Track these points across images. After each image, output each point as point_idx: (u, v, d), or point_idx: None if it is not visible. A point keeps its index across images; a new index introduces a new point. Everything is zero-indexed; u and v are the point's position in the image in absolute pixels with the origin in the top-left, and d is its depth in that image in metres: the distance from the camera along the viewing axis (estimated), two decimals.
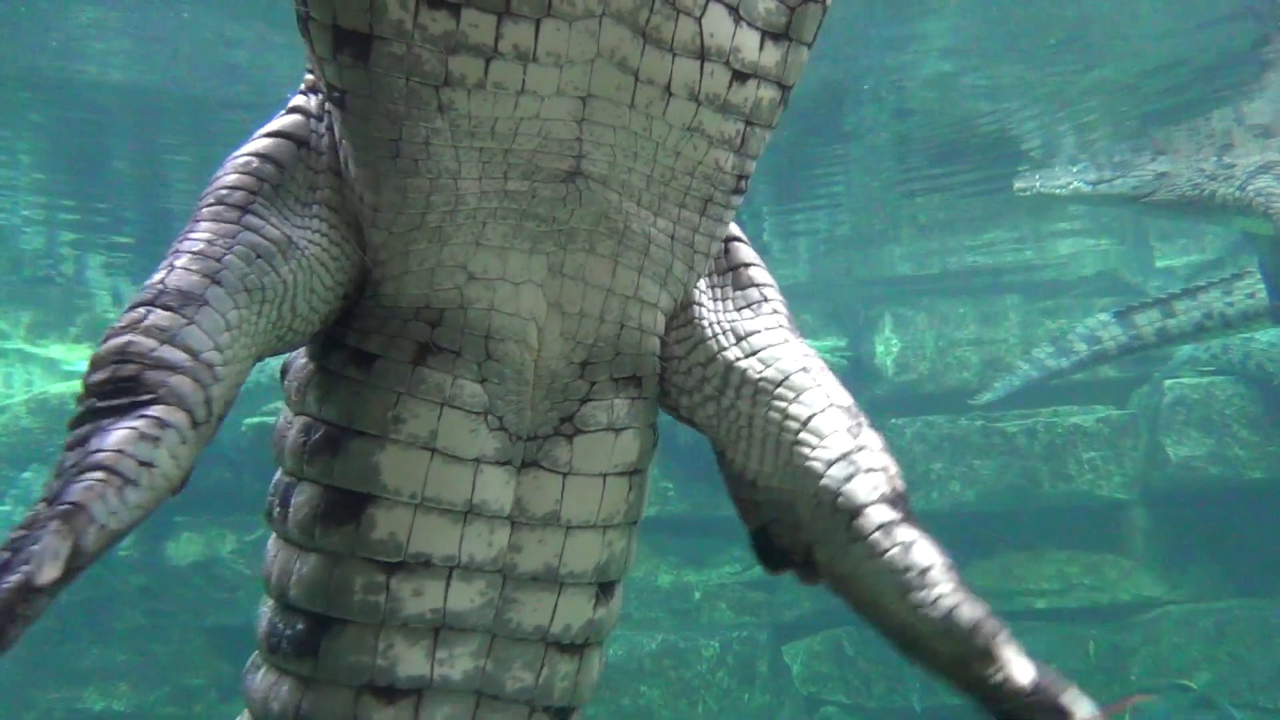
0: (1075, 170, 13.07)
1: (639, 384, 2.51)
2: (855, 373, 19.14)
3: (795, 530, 2.42)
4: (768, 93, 2.19)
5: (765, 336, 2.52)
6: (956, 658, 2.18)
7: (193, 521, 17.52)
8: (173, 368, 1.93)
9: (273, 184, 2.24)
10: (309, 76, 2.39)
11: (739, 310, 2.55)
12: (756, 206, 17.67)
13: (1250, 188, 10.71)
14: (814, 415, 2.42)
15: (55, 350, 24.43)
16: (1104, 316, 14.62)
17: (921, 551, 2.27)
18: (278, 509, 2.50)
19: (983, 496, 17.30)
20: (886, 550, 2.25)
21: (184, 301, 1.99)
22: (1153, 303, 14.24)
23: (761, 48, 2.11)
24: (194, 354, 1.96)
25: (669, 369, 2.55)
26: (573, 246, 2.27)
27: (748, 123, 2.22)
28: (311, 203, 2.28)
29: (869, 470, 2.34)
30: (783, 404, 2.44)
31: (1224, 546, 16.75)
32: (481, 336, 2.32)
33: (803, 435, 2.40)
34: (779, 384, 2.45)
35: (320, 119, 2.31)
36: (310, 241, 2.24)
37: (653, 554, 18.17)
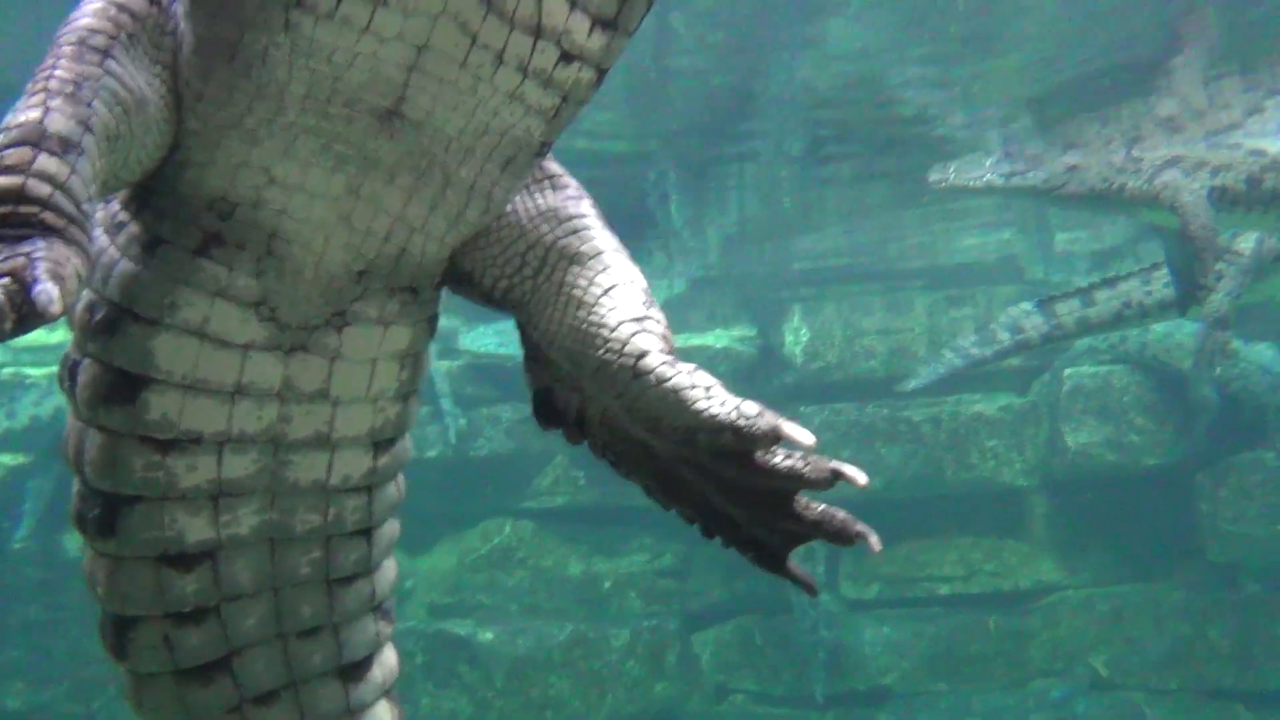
0: (988, 163, 13.26)
1: (414, 291, 2.70)
2: (765, 361, 19.28)
3: (574, 390, 2.69)
4: (587, 74, 2.34)
5: (583, 220, 2.77)
6: (738, 448, 2.42)
7: None
8: (69, 218, 2.01)
9: (129, 33, 2.29)
10: None
11: (560, 202, 2.78)
12: (665, 194, 17.67)
13: (1158, 181, 10.95)
14: (617, 285, 2.68)
15: None
16: (1026, 306, 14.91)
17: (702, 375, 2.53)
18: (68, 383, 2.63)
19: (890, 484, 17.53)
20: (673, 375, 2.50)
21: (66, 148, 2.05)
22: (1073, 292, 14.54)
23: (590, 33, 2.25)
24: (78, 204, 2.04)
25: (485, 261, 2.75)
26: (373, 174, 2.39)
27: (564, 98, 2.37)
28: (156, 61, 2.34)
29: (654, 332, 2.61)
30: (592, 273, 2.69)
31: (1120, 532, 17.20)
32: (267, 235, 2.43)
33: (603, 299, 2.65)
34: (593, 256, 2.71)
35: None
36: (151, 99, 2.31)
37: (562, 543, 18.12)
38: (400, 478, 2.91)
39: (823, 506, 2.48)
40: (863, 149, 15.82)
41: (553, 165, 2.86)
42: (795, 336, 19.30)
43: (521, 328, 2.80)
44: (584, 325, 2.64)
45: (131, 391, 2.47)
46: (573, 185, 2.86)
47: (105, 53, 2.22)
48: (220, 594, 2.60)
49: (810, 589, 2.56)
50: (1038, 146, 13.47)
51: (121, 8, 2.30)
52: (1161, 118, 12.60)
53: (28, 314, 1.83)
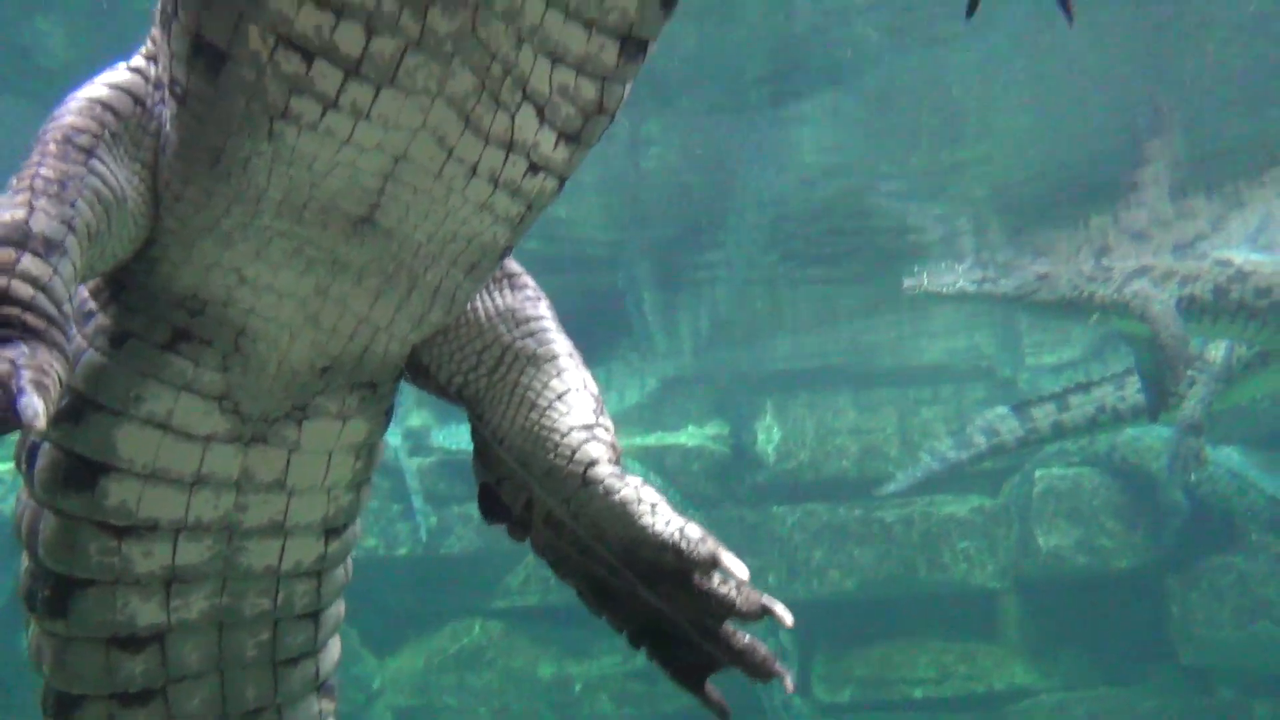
0: (960, 270, 13.48)
1: (374, 386, 2.74)
2: (737, 460, 19.27)
3: (520, 489, 2.71)
4: (551, 183, 2.41)
5: (540, 323, 2.84)
6: (678, 568, 2.46)
7: None
8: (50, 320, 2.03)
9: (112, 132, 2.33)
10: (150, 46, 2.48)
11: (519, 302, 2.84)
12: (639, 295, 17.81)
13: (1127, 290, 11.15)
14: (569, 391, 2.74)
15: None
16: (1001, 410, 15.02)
17: (648, 491, 2.56)
18: (24, 464, 2.63)
19: (862, 585, 17.45)
20: (620, 490, 2.54)
21: (49, 249, 2.07)
22: (1048, 397, 14.67)
23: (555, 146, 2.34)
24: (59, 305, 2.06)
25: (443, 357, 2.81)
26: (342, 276, 2.44)
27: (529, 206, 2.44)
28: (136, 160, 2.37)
29: (603, 440, 2.67)
30: (546, 376, 2.75)
31: (1093, 635, 17.16)
32: (235, 333, 2.48)
33: (556, 404, 2.71)
34: (549, 360, 2.78)
35: (158, 88, 2.40)
36: (130, 196, 2.34)
37: (534, 644, 17.86)
38: (349, 561, 2.95)
39: (748, 639, 2.51)
40: (833, 253, 16.05)
41: (511, 264, 2.93)
42: (768, 435, 19.34)
43: (473, 422, 2.84)
44: (535, 428, 2.69)
45: (91, 478, 2.49)
46: (530, 286, 2.92)
47: (90, 151, 2.26)
48: (167, 676, 2.62)
49: (723, 714, 2.55)
50: (1008, 254, 13.72)
51: (106, 106, 2.35)
52: (1129, 228, 12.88)
53: (11, 425, 1.85)
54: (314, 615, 2.84)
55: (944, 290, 12.65)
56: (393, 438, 19.66)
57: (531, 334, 2.82)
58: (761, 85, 10.98)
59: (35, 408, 1.84)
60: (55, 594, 2.56)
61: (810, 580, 17.51)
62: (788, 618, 2.35)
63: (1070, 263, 12.69)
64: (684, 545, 2.46)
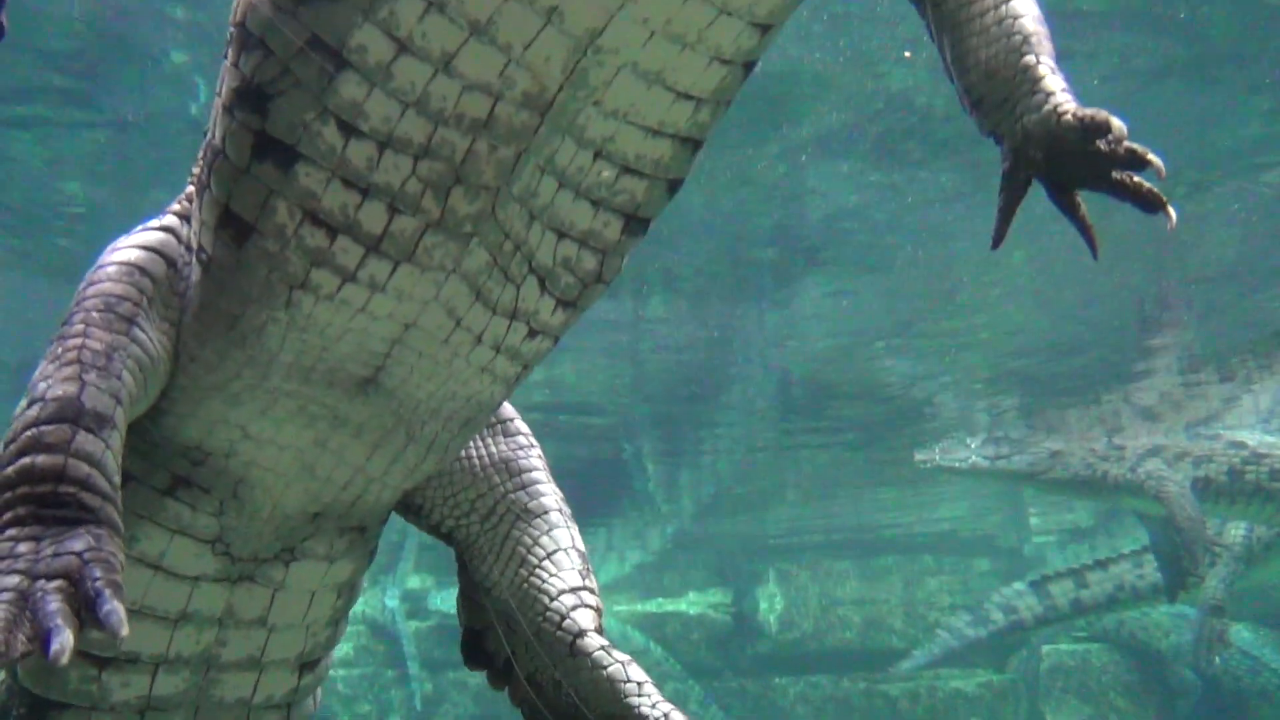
0: (973, 445, 13.51)
1: (363, 530, 2.77)
2: (739, 629, 18.96)
3: (504, 639, 2.76)
4: (546, 345, 2.48)
5: (532, 474, 2.89)
6: None
7: None
8: (106, 497, 2.04)
9: (149, 297, 2.37)
10: (184, 205, 2.53)
11: (511, 451, 2.89)
12: (641, 459, 17.77)
13: (1141, 470, 11.15)
14: (559, 550, 2.79)
15: None
16: (1019, 586, 14.86)
17: (636, 670, 2.62)
18: None
19: None
20: (609, 666, 2.60)
21: (100, 424, 2.11)
22: (1066, 573, 14.52)
23: (554, 312, 2.43)
24: (111, 480, 2.08)
25: (436, 500, 2.86)
26: (342, 430, 2.48)
27: (525, 367, 2.50)
28: (165, 319, 2.41)
29: (590, 606, 2.72)
30: (537, 532, 2.80)
31: None
32: (234, 482, 2.52)
33: (545, 564, 2.76)
34: (540, 514, 2.83)
35: (188, 250, 2.44)
36: (159, 356, 2.38)
37: None
38: (319, 691, 2.96)
39: None
40: (837, 425, 16.08)
41: (506, 408, 2.97)
42: (770, 604, 19.07)
43: (461, 565, 2.90)
44: (525, 585, 2.74)
45: None
46: (523, 432, 2.97)
47: (132, 320, 2.30)
48: None
49: None
50: (1020, 431, 13.75)
51: (143, 272, 2.39)
52: (1141, 407, 12.95)
53: (91, 627, 1.84)
54: None
55: (957, 466, 12.66)
56: (390, 600, 19.32)
57: (524, 486, 2.87)
58: (766, 265, 11.18)
59: (118, 615, 1.83)
60: (31, 714, 2.57)
61: None
62: None
63: (1082, 440, 12.72)
64: None
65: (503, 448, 2.90)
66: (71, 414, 2.09)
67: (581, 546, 2.84)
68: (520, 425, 2.96)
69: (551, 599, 2.70)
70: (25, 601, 1.83)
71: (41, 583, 1.86)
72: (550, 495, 2.89)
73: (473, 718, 17.55)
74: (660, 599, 19.54)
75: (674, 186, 2.27)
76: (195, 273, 2.36)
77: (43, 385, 2.14)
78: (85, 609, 1.84)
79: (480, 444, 2.88)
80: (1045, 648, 17.29)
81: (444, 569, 23.17)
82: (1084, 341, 12.34)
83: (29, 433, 2.06)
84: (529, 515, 2.83)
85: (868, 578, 19.34)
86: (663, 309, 12.36)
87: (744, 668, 18.53)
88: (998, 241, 2.54)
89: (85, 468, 2.04)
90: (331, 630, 2.83)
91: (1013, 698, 17.45)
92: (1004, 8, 2.57)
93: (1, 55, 7.23)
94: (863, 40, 7.28)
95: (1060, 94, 2.42)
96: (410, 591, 19.60)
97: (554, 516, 2.85)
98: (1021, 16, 2.54)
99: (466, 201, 2.15)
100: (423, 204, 2.15)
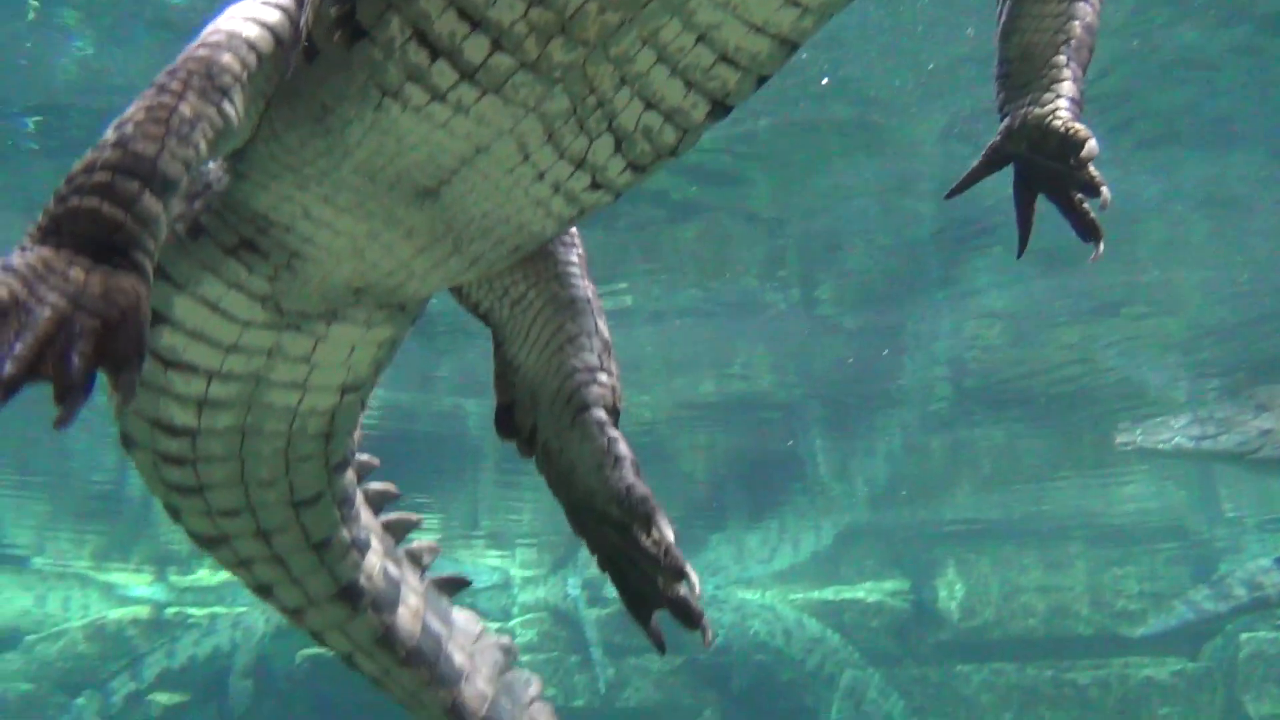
0: (1177, 426, 13.03)
1: (403, 308, 3.01)
2: (918, 616, 18.79)
3: (528, 413, 2.95)
4: (607, 199, 2.61)
5: (568, 268, 3.02)
6: (622, 520, 2.67)
7: None
8: (151, 259, 2.17)
9: (250, 73, 2.47)
10: None
11: (553, 245, 3.01)
12: (812, 446, 17.77)
13: None
14: (581, 335, 2.95)
15: (115, 576, 24.58)
16: (1264, 562, 14.38)
17: (623, 447, 2.75)
18: None
19: None
20: (599, 439, 2.75)
21: (166, 189, 2.20)
22: None
23: (621, 173, 2.56)
24: (158, 244, 2.21)
25: (474, 285, 3.04)
26: (394, 229, 2.69)
27: (581, 211, 2.63)
28: (260, 95, 2.53)
29: (600, 384, 2.87)
30: (563, 319, 2.95)
31: None
32: (289, 254, 2.76)
33: (567, 346, 2.91)
34: (569, 303, 2.97)
35: (298, 34, 2.56)
36: (241, 124, 2.49)
37: None
38: (366, 401, 3.25)
39: (684, 593, 2.67)
40: (1013, 409, 15.77)
41: None
42: (950, 592, 18.85)
43: (496, 344, 3.10)
44: (545, 365, 2.93)
45: (154, 320, 2.76)
46: (568, 232, 3.11)
47: (226, 93, 2.40)
48: (196, 454, 3.02)
49: (659, 647, 2.71)
50: (1226, 410, 13.13)
51: (253, 48, 2.48)
52: None
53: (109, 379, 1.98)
54: (324, 435, 3.17)
55: (1160, 447, 12.26)
56: (572, 589, 19.85)
57: (557, 276, 3.03)
58: (936, 248, 11.11)
59: (133, 386, 1.95)
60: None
61: None
62: (696, 588, 2.54)
63: None
64: (628, 502, 2.67)
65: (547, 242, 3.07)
66: (144, 172, 2.19)
67: (606, 335, 3.00)
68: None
69: (566, 376, 2.89)
70: (61, 326, 1.92)
71: (83, 315, 1.96)
72: (581, 288, 3.05)
73: (655, 703, 17.87)
74: (837, 585, 19.51)
75: (762, 81, 2.39)
76: (298, 59, 2.54)
77: (130, 130, 2.24)
78: (108, 365, 1.95)
79: None
80: (1243, 635, 16.61)
81: None
82: None
83: (101, 175, 2.16)
84: (558, 302, 2.99)
85: (1051, 565, 18.91)
86: (831, 296, 12.41)
87: (924, 655, 18.36)
88: (954, 192, 2.91)
89: (143, 228, 2.15)
90: (373, 369, 3.09)
91: (1208, 686, 16.82)
92: (1066, 5, 2.81)
93: None
94: None
95: (1066, 101, 2.79)
96: (590, 579, 20.06)
97: (581, 305, 3.01)
98: (1075, 20, 2.84)
99: (563, 52, 2.33)
100: (524, 45, 2.32)
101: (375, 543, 3.39)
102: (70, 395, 1.86)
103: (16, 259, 1.98)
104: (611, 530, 2.73)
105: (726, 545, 21.29)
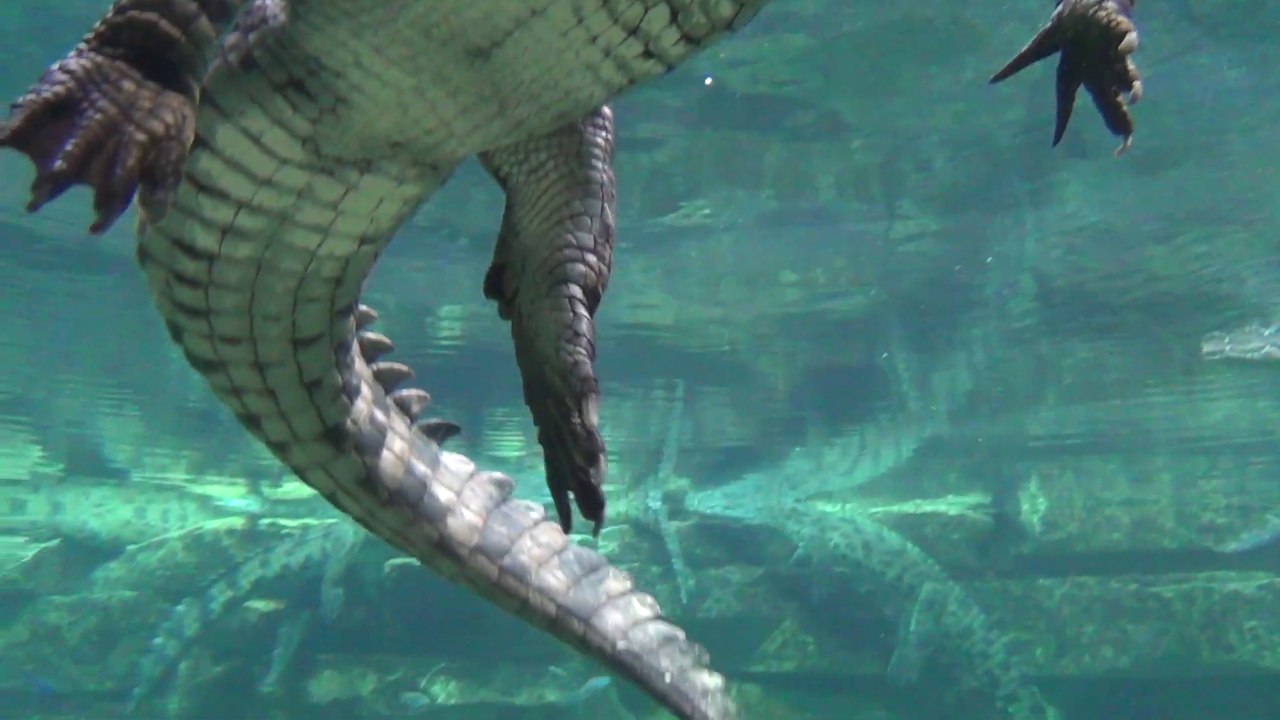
0: (1267, 334, 12.74)
1: (435, 168, 3.04)
2: (1000, 530, 18.75)
3: (517, 276, 3.06)
4: (658, 69, 2.61)
5: (591, 150, 3.08)
6: (561, 392, 2.81)
7: (334, 660, 17.81)
8: (199, 81, 2.22)
9: None
10: None
11: (583, 125, 3.07)
12: (895, 365, 17.67)
13: None
14: (582, 215, 3.03)
15: (212, 488, 25.40)
16: None
17: (585, 325, 2.87)
18: None
19: (1138, 664, 16.58)
20: (565, 312, 2.88)
21: (221, 14, 2.23)
22: None
23: (675, 44, 2.58)
24: (205, 68, 2.27)
25: (499, 147, 3.09)
26: (441, 87, 2.71)
27: (631, 81, 2.64)
28: None
29: (589, 267, 2.97)
30: (570, 195, 3.03)
31: None
32: (335, 99, 2.78)
33: (567, 221, 3.00)
34: (580, 183, 3.04)
35: None
36: None
37: (791, 711, 17.78)
38: (380, 250, 3.34)
39: (596, 477, 2.78)
40: (1100, 318, 15.51)
41: None
42: (1032, 505, 18.75)
43: (507, 207, 3.13)
44: (542, 235, 3.01)
45: (194, 145, 2.76)
46: (604, 114, 3.12)
47: None
48: (210, 280, 3.09)
49: (565, 523, 2.89)
50: None
51: None
52: None
53: (143, 194, 2.04)
54: (335, 280, 3.25)
55: (1250, 356, 12.00)
56: (653, 502, 20.13)
57: (579, 154, 3.08)
58: (1021, 155, 10.88)
59: (165, 205, 2.02)
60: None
61: (1081, 656, 16.79)
62: (603, 473, 2.72)
63: None
64: (571, 376, 2.82)
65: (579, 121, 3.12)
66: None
67: (609, 222, 3.07)
68: (605, 109, 3.16)
69: (557, 250, 2.99)
70: (111, 133, 1.98)
71: (130, 127, 2.02)
72: (598, 170, 3.10)
73: (735, 613, 18.13)
74: (918, 499, 19.51)
75: None
76: None
77: None
78: (146, 180, 2.01)
79: None
80: None
81: (700, 472, 23.94)
82: None
83: None
84: (573, 180, 3.05)
85: (1136, 479, 18.72)
86: (914, 208, 12.24)
87: (1006, 569, 18.35)
88: (999, 76, 2.98)
89: (195, 49, 2.19)
90: (394, 223, 3.17)
91: None
92: None
93: None
94: None
95: None
96: (670, 493, 20.30)
97: (594, 188, 3.07)
98: None
99: None
100: None
101: (365, 389, 3.46)
102: (109, 204, 1.92)
103: (74, 61, 2.02)
104: (552, 403, 2.87)
105: (806, 458, 21.38)
